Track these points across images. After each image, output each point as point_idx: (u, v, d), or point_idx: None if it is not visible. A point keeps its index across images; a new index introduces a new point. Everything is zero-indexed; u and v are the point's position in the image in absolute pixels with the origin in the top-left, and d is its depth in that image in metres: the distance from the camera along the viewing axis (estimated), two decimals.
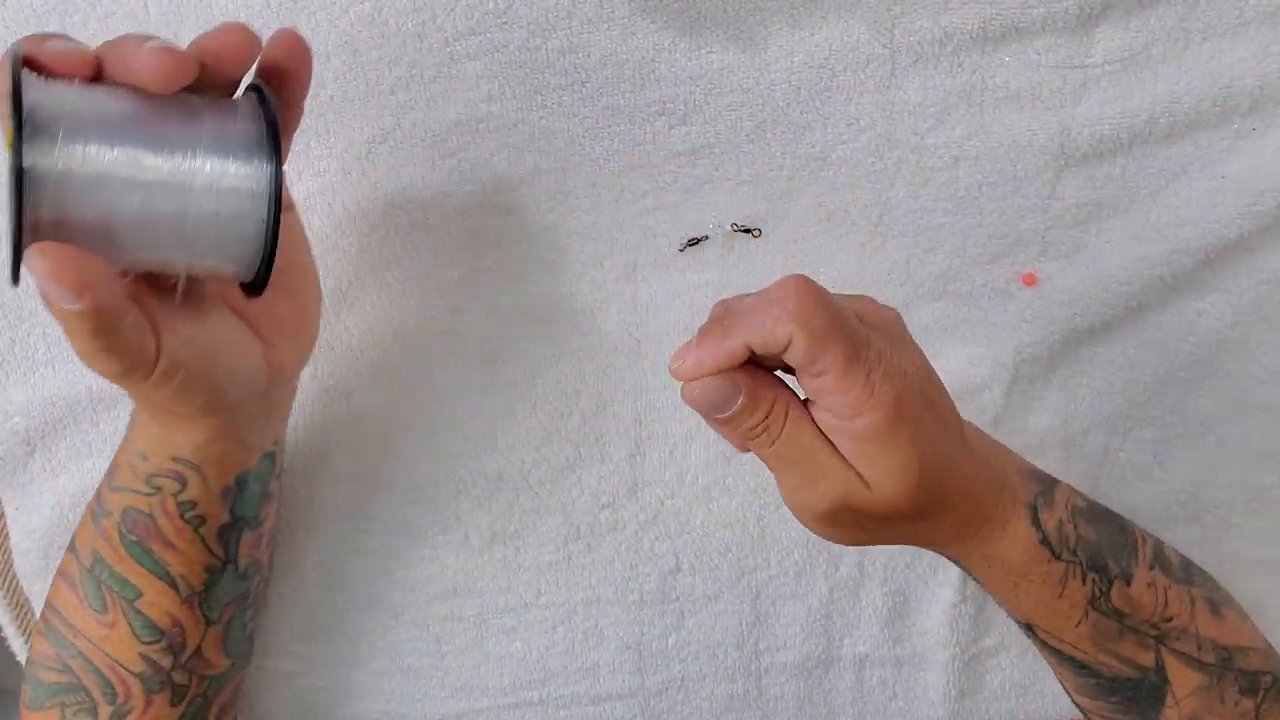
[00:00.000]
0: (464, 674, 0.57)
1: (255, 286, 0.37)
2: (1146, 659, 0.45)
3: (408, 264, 0.50)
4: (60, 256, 0.33)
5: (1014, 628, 0.58)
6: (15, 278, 0.33)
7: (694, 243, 0.51)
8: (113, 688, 0.46)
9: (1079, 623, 0.44)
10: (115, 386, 0.50)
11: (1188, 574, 0.46)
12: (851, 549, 0.57)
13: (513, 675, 0.57)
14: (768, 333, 0.36)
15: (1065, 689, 0.51)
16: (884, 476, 0.38)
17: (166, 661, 0.47)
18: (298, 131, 0.47)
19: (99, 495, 0.45)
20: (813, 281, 0.37)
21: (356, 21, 0.46)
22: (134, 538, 0.44)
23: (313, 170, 0.48)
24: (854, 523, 0.39)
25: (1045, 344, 0.53)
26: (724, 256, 0.51)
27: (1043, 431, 0.56)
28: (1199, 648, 0.44)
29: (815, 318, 0.36)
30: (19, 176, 0.31)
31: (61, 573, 0.47)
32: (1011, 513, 0.42)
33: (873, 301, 0.41)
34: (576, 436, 0.54)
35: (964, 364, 0.54)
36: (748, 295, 0.39)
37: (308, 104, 0.47)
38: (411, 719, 0.57)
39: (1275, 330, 0.54)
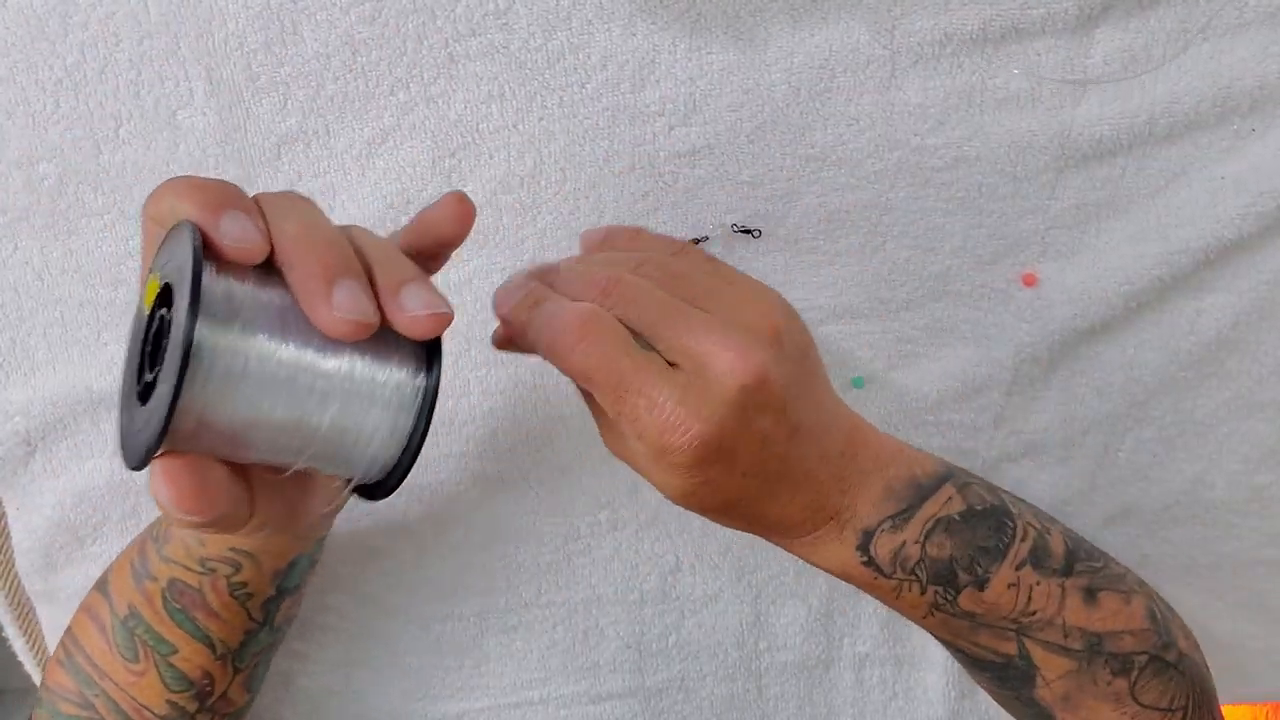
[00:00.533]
0: (464, 673, 0.57)
1: (376, 492, 0.34)
2: (1008, 648, 0.44)
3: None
4: (187, 481, 0.30)
5: None
6: (142, 465, 0.30)
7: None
8: None
9: (925, 617, 0.44)
10: (114, 386, 0.51)
11: (1069, 564, 0.45)
12: None
13: (513, 674, 0.57)
14: (550, 356, 0.37)
15: None
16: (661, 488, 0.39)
17: (192, 707, 0.47)
18: (298, 131, 0.48)
19: (144, 555, 0.45)
20: (607, 325, 0.36)
21: (357, 21, 0.46)
22: (178, 605, 0.44)
23: (313, 170, 0.48)
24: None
25: (1045, 344, 0.53)
26: (724, 257, 0.51)
27: (1042, 431, 0.56)
28: (1065, 635, 0.44)
29: (596, 371, 0.36)
30: (186, 357, 0.28)
31: (88, 610, 0.46)
32: (830, 536, 0.41)
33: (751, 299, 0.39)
34: (576, 437, 0.54)
35: (964, 364, 0.54)
36: (569, 276, 0.38)
37: (308, 104, 0.47)
38: (413, 717, 0.57)
39: (1275, 330, 0.54)
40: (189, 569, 0.44)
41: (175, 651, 0.45)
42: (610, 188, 0.50)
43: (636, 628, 0.57)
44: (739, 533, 0.56)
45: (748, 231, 0.51)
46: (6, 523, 0.54)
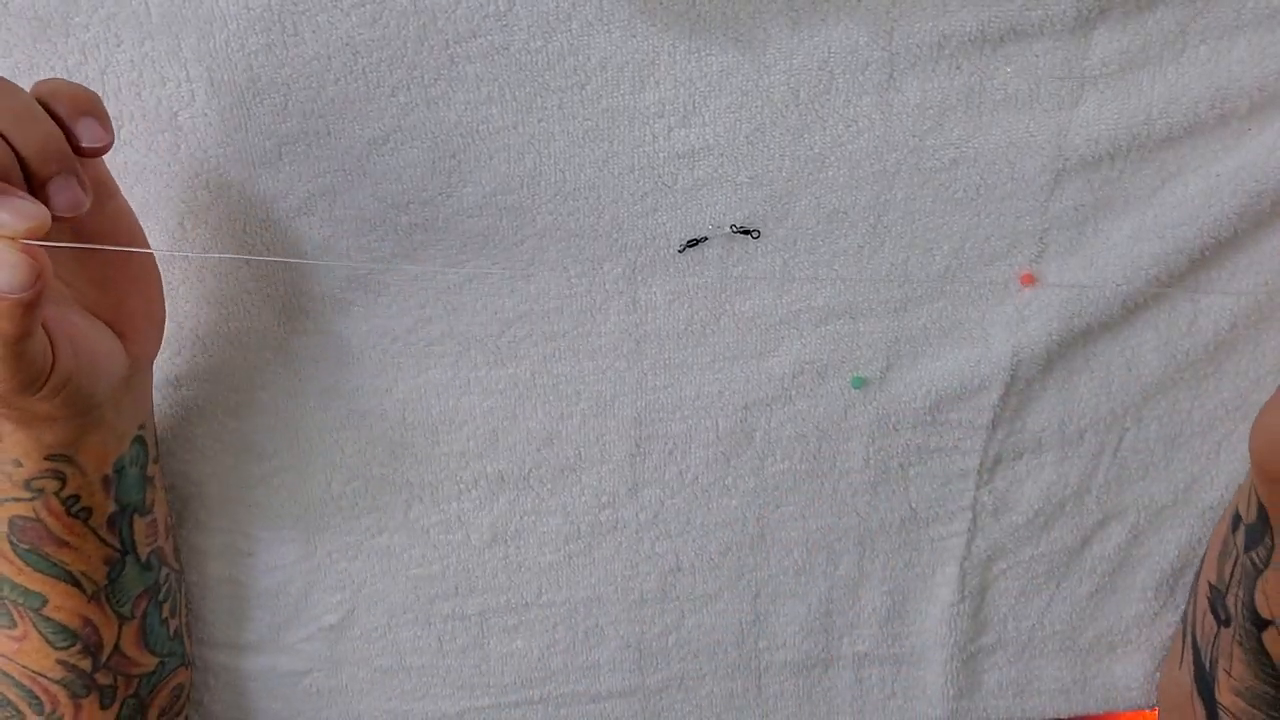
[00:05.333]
0: (466, 672, 0.57)
1: None
2: None
3: (408, 265, 0.50)
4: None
5: (1012, 627, 0.59)
6: None
7: (694, 244, 0.51)
8: (37, 698, 0.46)
9: None
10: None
11: None
12: (852, 548, 0.57)
13: (514, 674, 0.58)
14: None
15: (1210, 682, 0.51)
16: None
17: (86, 664, 0.46)
18: (299, 133, 0.48)
19: None
20: None
21: (357, 24, 0.46)
22: (26, 545, 0.44)
23: (312, 171, 0.49)
24: None
25: (1043, 344, 0.53)
26: (723, 257, 0.51)
27: (1040, 431, 0.56)
28: None
29: None
30: None
31: None
32: None
33: None
34: (576, 436, 0.54)
35: (962, 364, 0.54)
36: None
37: (308, 105, 0.47)
38: (414, 717, 0.58)
39: (1274, 330, 0.55)
40: (19, 500, 0.43)
41: (45, 601, 0.45)
42: (609, 189, 0.50)
43: (636, 627, 0.57)
44: (738, 533, 0.56)
45: (747, 232, 0.51)
46: None
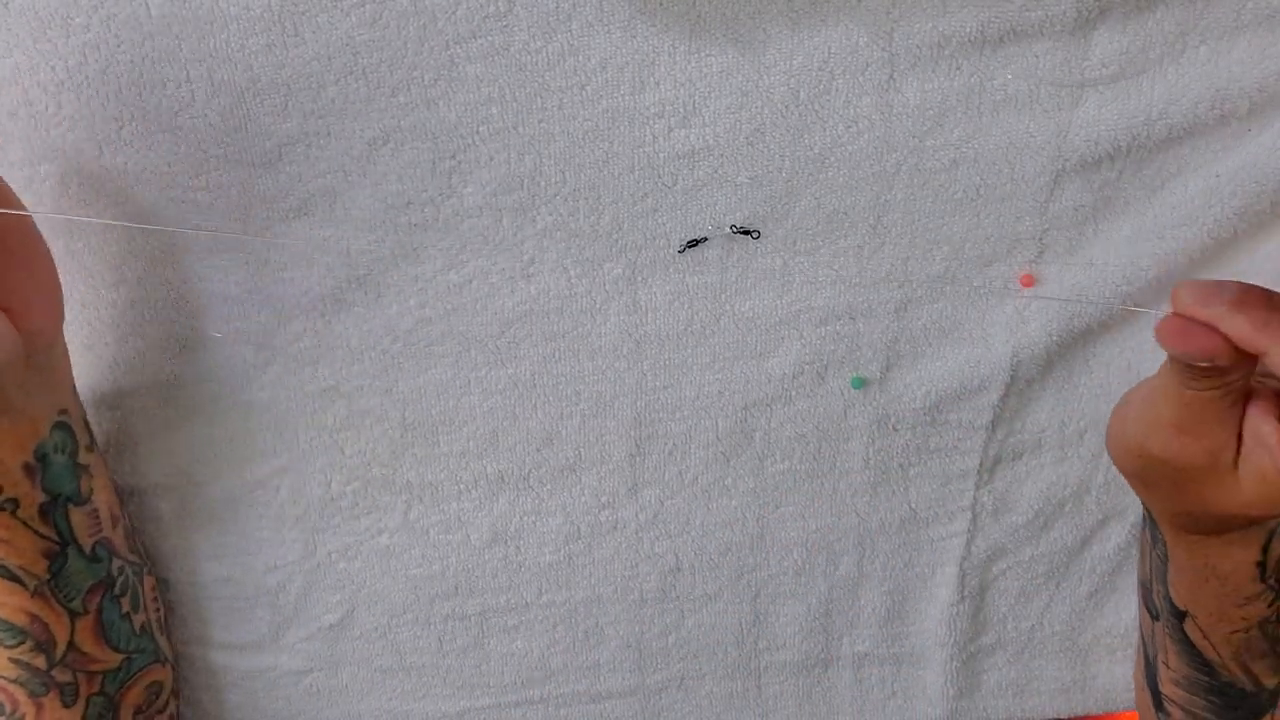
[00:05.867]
0: (466, 672, 0.57)
1: None
2: (1271, 680, 0.47)
3: (408, 265, 0.50)
4: None
5: (1011, 627, 0.59)
6: None
7: (694, 244, 0.51)
8: None
9: (1234, 633, 0.46)
10: (114, 386, 0.51)
11: None
12: (852, 548, 0.57)
13: (514, 673, 0.58)
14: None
15: (1154, 675, 0.52)
16: (1258, 486, 0.39)
17: (40, 662, 0.46)
18: (299, 133, 0.48)
19: None
20: None
21: (358, 24, 0.46)
22: None
23: (313, 171, 0.49)
24: (1165, 477, 0.42)
25: (1043, 345, 0.53)
26: (723, 258, 0.51)
27: (1040, 432, 0.56)
28: None
29: None
30: None
31: None
32: (1248, 535, 0.44)
33: None
34: (576, 437, 0.54)
35: (962, 365, 0.54)
36: None
37: (308, 106, 0.47)
38: (414, 717, 0.58)
39: None
40: None
41: None
42: (609, 189, 0.50)
43: (636, 627, 0.57)
44: (738, 533, 0.56)
45: (747, 232, 0.51)
46: None
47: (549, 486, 0.54)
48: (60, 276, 0.49)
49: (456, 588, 0.56)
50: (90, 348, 0.51)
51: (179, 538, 0.54)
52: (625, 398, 0.53)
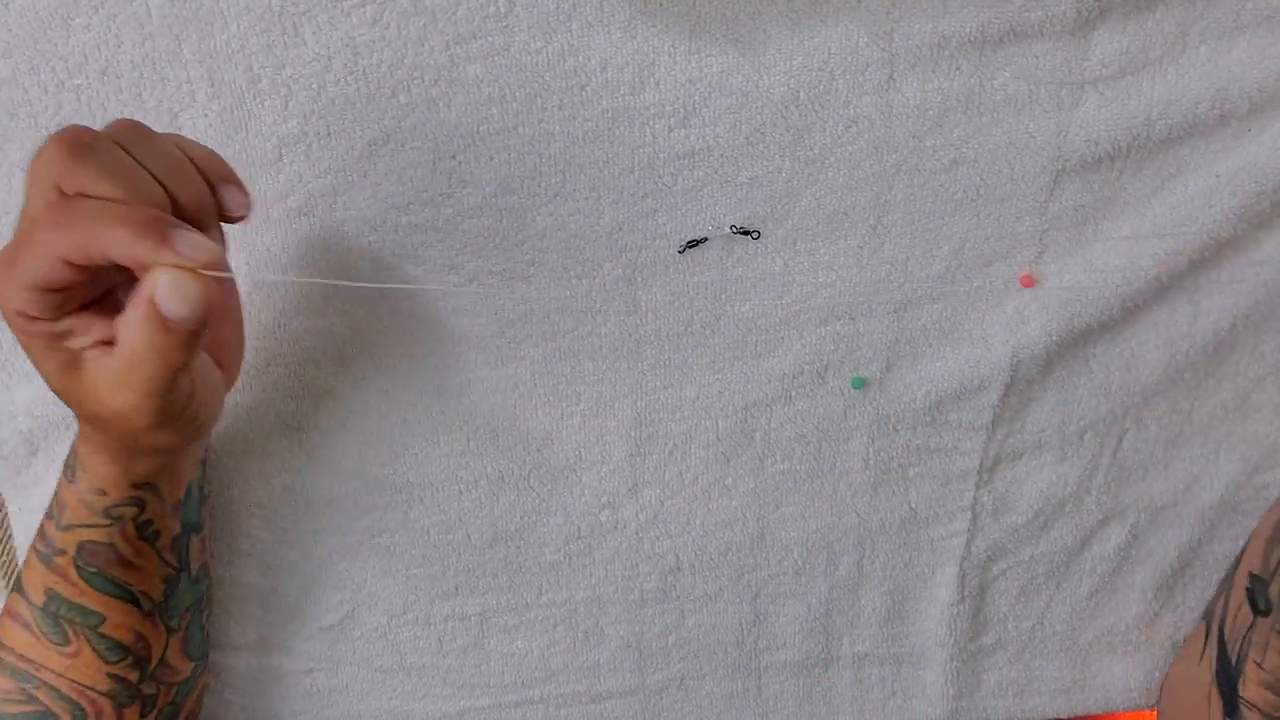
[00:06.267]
0: (466, 672, 0.57)
1: None
2: None
3: (408, 266, 0.50)
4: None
5: (1011, 627, 0.59)
6: None
7: (693, 244, 0.51)
8: (82, 709, 0.46)
9: None
10: None
11: None
12: (852, 548, 0.57)
13: (514, 673, 0.58)
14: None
15: (1234, 677, 0.51)
16: None
17: (134, 676, 0.47)
18: (299, 134, 0.48)
19: (44, 537, 0.45)
20: None
21: (358, 24, 0.46)
22: (93, 569, 0.44)
23: (313, 172, 0.49)
24: None
25: (1043, 345, 0.53)
26: (723, 258, 0.51)
27: (1040, 432, 0.56)
28: None
29: None
30: None
31: (9, 614, 0.46)
32: None
33: None
34: (576, 437, 0.54)
35: (962, 365, 0.54)
36: None
37: (309, 106, 0.47)
38: (414, 716, 0.58)
39: (1273, 330, 0.55)
40: (95, 526, 0.44)
41: (103, 619, 0.45)
42: (609, 190, 0.50)
43: (636, 627, 0.57)
44: (738, 533, 0.56)
45: (747, 233, 0.51)
46: (9, 523, 0.55)
47: (549, 486, 0.55)
48: None
49: (456, 588, 0.56)
50: None
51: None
52: (625, 398, 0.53)
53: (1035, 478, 0.57)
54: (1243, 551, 0.56)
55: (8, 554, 0.55)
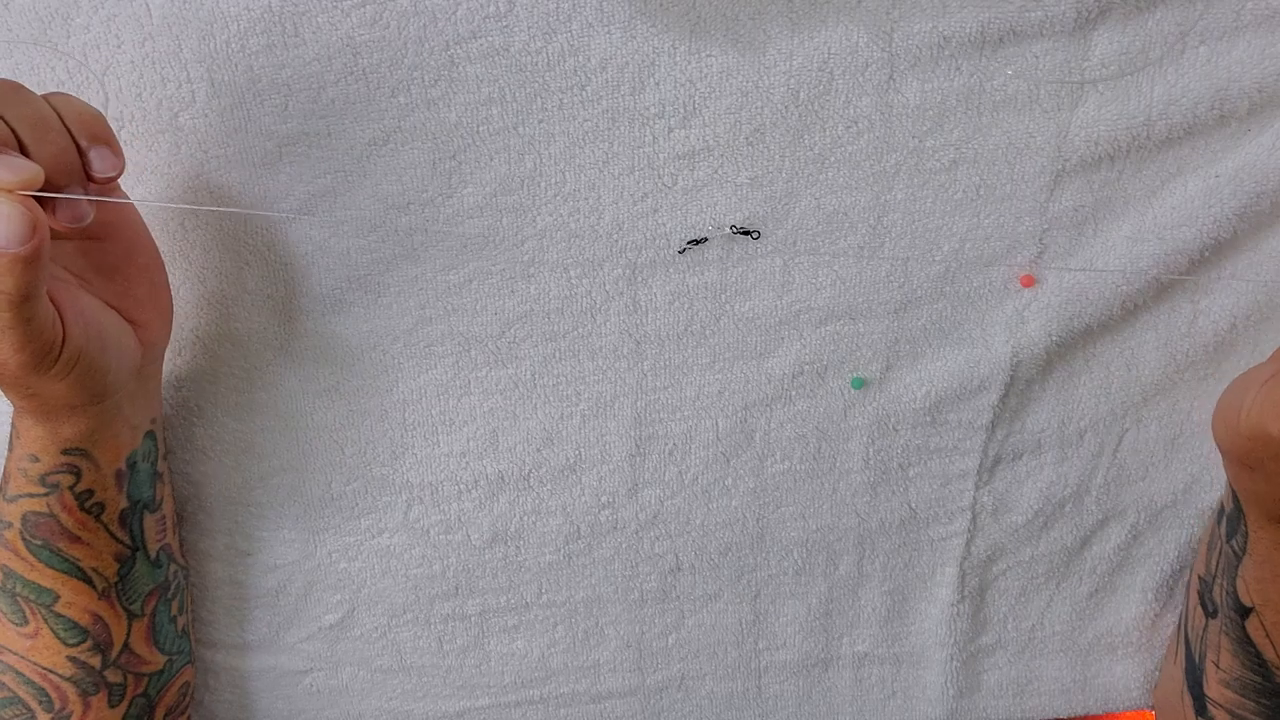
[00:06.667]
0: (466, 672, 0.57)
1: None
2: None
3: (408, 265, 0.50)
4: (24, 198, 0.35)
5: (1011, 627, 0.59)
6: None
7: (694, 244, 0.51)
8: (48, 695, 0.46)
9: None
10: None
11: None
12: (852, 548, 0.57)
13: (514, 673, 0.58)
14: None
15: (1200, 677, 0.52)
16: None
17: (96, 661, 0.47)
18: (299, 134, 0.48)
19: None
20: None
21: (358, 24, 0.46)
22: (39, 541, 0.44)
23: (313, 172, 0.49)
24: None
25: (1042, 345, 0.53)
26: (723, 258, 0.51)
27: (1040, 432, 0.56)
28: None
29: None
30: None
31: None
32: None
33: None
34: (576, 436, 0.54)
35: (961, 365, 0.54)
36: None
37: (309, 106, 0.47)
38: (414, 716, 0.58)
39: (1273, 330, 0.55)
40: (34, 495, 0.44)
41: (57, 598, 0.45)
42: (609, 189, 0.50)
43: (636, 627, 0.57)
44: (738, 533, 0.56)
45: (747, 233, 0.51)
46: None
47: (549, 486, 0.55)
48: None
49: (456, 588, 0.56)
50: None
51: (180, 536, 0.54)
52: (625, 398, 0.53)
53: (1035, 478, 0.56)
54: (1195, 556, 0.57)
55: None
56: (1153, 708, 0.61)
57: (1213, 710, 0.52)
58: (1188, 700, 0.54)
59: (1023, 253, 0.52)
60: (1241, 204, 0.51)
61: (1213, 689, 0.51)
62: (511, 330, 0.52)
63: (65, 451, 0.44)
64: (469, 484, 0.54)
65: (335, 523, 0.54)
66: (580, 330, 0.52)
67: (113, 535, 0.46)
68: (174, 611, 0.51)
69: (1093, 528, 0.58)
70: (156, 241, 0.48)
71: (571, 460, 0.54)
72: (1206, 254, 0.52)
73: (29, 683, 0.46)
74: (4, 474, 0.45)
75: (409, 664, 0.57)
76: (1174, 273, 0.53)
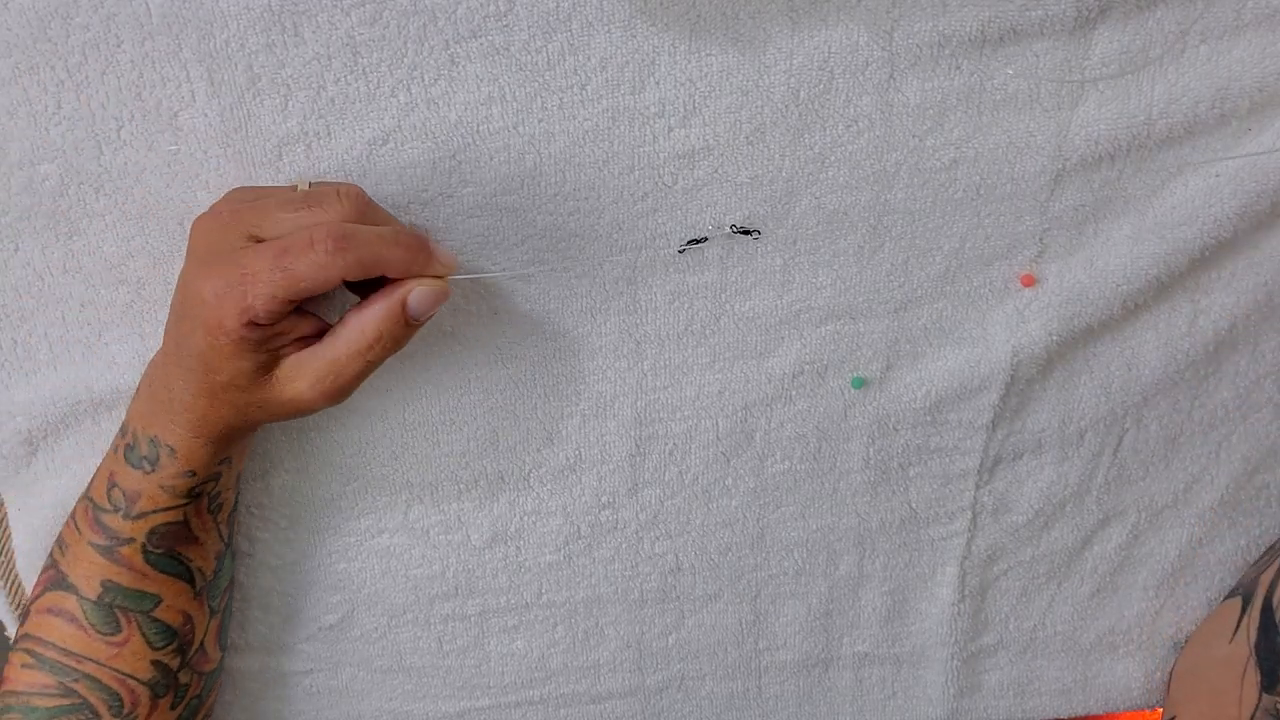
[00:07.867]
0: (466, 673, 0.57)
1: None
2: None
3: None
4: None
5: (1012, 627, 0.59)
6: None
7: (694, 243, 0.51)
8: (120, 699, 0.46)
9: None
10: (116, 387, 0.51)
11: None
12: (852, 548, 0.57)
13: (514, 674, 0.58)
14: None
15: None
16: None
17: (175, 662, 0.48)
18: (299, 133, 0.48)
19: (103, 530, 0.45)
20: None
21: (358, 23, 0.46)
22: (161, 550, 0.46)
23: (313, 172, 0.48)
24: None
25: (1043, 345, 0.53)
26: (723, 258, 0.51)
27: (1040, 432, 0.56)
28: None
29: None
30: None
31: (49, 610, 0.46)
32: None
33: None
34: (577, 436, 0.54)
35: (962, 365, 0.54)
36: None
37: (309, 105, 0.47)
38: (414, 717, 0.58)
39: (1273, 330, 0.55)
40: (171, 509, 0.45)
41: (158, 602, 0.46)
42: (609, 189, 0.50)
43: (636, 628, 0.57)
44: (738, 533, 0.56)
45: (747, 232, 0.51)
46: (8, 522, 0.55)
47: (549, 486, 0.54)
48: (61, 277, 0.49)
49: (456, 588, 0.56)
50: (91, 348, 0.51)
51: None
52: (625, 398, 0.53)
53: (1035, 478, 0.56)
54: None
55: (6, 553, 0.55)
56: (1155, 707, 0.60)
57: None
58: (1252, 677, 0.52)
59: (1023, 252, 0.52)
60: (1242, 203, 0.51)
61: None
62: (511, 330, 0.52)
63: (220, 463, 0.46)
64: (469, 484, 0.54)
65: (335, 523, 0.54)
66: (580, 330, 0.52)
67: (220, 534, 0.48)
68: (232, 607, 0.52)
69: (1093, 527, 0.58)
70: (156, 241, 0.48)
71: (571, 460, 0.54)
72: (1206, 254, 0.52)
73: (103, 688, 0.46)
74: (126, 494, 0.45)
75: (409, 664, 0.57)
76: (1175, 273, 0.53)
